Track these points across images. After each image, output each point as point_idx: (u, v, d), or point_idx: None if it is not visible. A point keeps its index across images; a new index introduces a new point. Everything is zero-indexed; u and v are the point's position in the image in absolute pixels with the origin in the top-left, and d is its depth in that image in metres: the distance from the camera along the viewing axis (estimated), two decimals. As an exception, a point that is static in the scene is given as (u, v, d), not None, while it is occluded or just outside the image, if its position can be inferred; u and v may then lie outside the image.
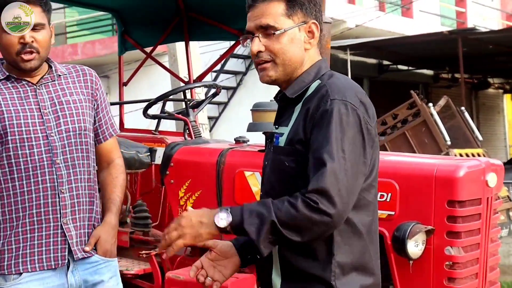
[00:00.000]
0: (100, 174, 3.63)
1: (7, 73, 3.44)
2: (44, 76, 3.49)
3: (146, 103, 6.14)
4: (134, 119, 7.02)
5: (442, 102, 13.05)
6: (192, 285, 3.82)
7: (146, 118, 6.15)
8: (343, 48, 16.14)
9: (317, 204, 2.68)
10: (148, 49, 6.69)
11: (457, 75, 19.98)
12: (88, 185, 3.44)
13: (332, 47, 16.44)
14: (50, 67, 3.53)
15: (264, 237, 2.72)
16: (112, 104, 6.22)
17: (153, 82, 10.42)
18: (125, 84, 6.65)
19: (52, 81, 3.52)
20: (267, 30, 2.90)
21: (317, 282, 2.90)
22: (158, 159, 5.67)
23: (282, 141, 2.97)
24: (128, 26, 6.70)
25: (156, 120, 6.37)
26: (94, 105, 3.60)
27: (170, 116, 6.22)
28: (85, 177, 3.42)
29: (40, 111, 3.41)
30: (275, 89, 3.09)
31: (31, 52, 3.35)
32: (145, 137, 6.17)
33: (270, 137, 3.08)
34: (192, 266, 2.97)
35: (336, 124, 2.76)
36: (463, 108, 13.33)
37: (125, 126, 6.64)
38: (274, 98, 3.21)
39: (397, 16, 19.35)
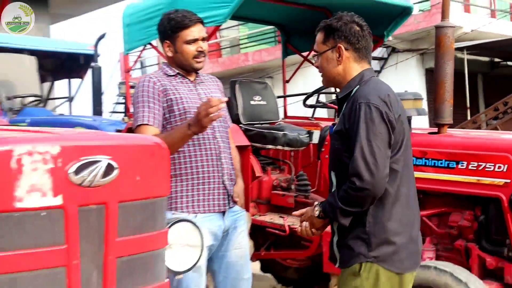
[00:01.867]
0: None
1: (176, 71, 3.67)
2: (196, 78, 3.73)
3: (304, 96, 6.20)
4: (295, 108, 7.10)
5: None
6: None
7: (305, 107, 6.20)
8: (460, 49, 15.70)
9: (355, 184, 3.06)
10: (304, 54, 6.71)
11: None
12: (230, 157, 3.68)
13: (452, 48, 15.95)
14: (197, 73, 3.76)
15: (339, 215, 3.17)
16: (278, 97, 6.35)
17: (308, 79, 10.38)
18: (288, 81, 6.73)
19: (201, 82, 3.75)
20: (316, 53, 3.34)
21: (358, 239, 3.25)
22: (315, 139, 5.71)
23: (333, 129, 3.32)
24: (289, 36, 6.75)
25: (312, 109, 6.42)
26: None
27: (323, 105, 6.26)
28: (229, 151, 3.67)
29: (200, 100, 3.58)
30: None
31: (203, 56, 3.63)
32: (304, 122, 6.19)
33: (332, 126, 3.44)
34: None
35: (362, 121, 3.07)
36: None
37: (288, 114, 6.68)
38: (336, 97, 3.67)
39: (506, 21, 18.65)
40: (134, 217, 2.14)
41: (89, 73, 8.36)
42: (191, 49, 3.58)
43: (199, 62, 3.62)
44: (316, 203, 3.39)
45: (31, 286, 1.93)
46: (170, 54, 3.64)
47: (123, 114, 11.39)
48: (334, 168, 3.33)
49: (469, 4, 18.14)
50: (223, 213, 3.58)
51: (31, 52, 8.72)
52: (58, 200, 1.95)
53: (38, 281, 1.94)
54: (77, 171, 1.97)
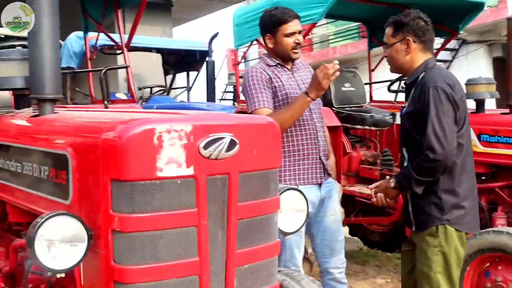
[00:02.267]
0: None
1: (276, 62, 3.62)
2: (293, 67, 3.67)
3: (387, 83, 6.06)
4: (380, 94, 6.94)
5: None
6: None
7: (389, 92, 6.07)
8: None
9: (428, 157, 3.09)
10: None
11: None
12: (324, 136, 3.65)
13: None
14: (293, 62, 3.70)
15: (414, 185, 3.19)
16: (365, 84, 6.22)
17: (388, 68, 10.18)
18: (373, 70, 6.59)
19: (298, 70, 3.69)
20: (386, 45, 3.37)
21: (432, 205, 3.26)
22: (398, 120, 5.58)
23: (404, 111, 3.35)
24: (374, 30, 6.59)
25: (395, 93, 6.27)
26: None
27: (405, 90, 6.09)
28: (323, 129, 3.63)
29: (298, 86, 3.58)
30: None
31: (300, 47, 3.59)
32: (388, 105, 6.06)
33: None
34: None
35: (432, 102, 3.11)
36: None
37: (373, 99, 6.54)
38: (404, 83, 3.64)
39: None
40: (252, 186, 2.12)
41: (203, 66, 8.46)
42: (290, 41, 3.55)
43: (296, 52, 3.59)
44: (387, 177, 3.52)
45: (168, 242, 1.95)
46: (270, 45, 3.62)
47: (231, 101, 11.47)
48: (406, 144, 3.35)
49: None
50: (320, 184, 3.56)
51: (157, 50, 8.91)
52: (191, 171, 1.95)
53: (174, 238, 1.96)
54: (206, 146, 1.96)
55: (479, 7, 5.74)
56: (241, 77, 5.77)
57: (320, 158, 3.55)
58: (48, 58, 2.47)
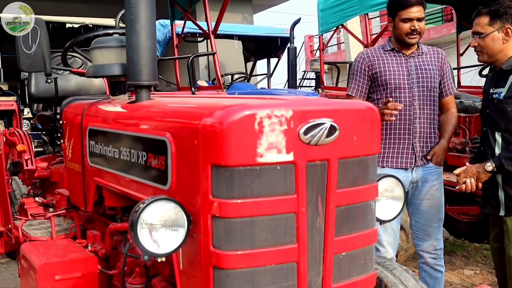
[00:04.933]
0: (441, 116, 3.74)
1: (392, 47, 3.65)
2: (413, 52, 3.65)
3: (478, 68, 5.84)
4: (468, 78, 6.72)
5: None
6: None
7: (480, 77, 5.86)
8: None
9: None
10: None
11: None
12: (432, 122, 3.61)
13: None
14: (418, 46, 3.67)
15: None
16: (453, 69, 6.00)
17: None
18: (462, 54, 6.37)
19: (418, 55, 3.66)
20: (479, 34, 3.40)
21: None
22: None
23: (501, 96, 3.35)
24: (464, 14, 6.36)
25: (485, 78, 6.03)
26: (441, 73, 3.70)
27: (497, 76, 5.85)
28: (430, 117, 3.60)
29: (408, 72, 3.60)
30: None
31: (416, 34, 3.55)
32: (477, 91, 5.84)
33: (490, 95, 3.46)
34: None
35: None
36: None
37: (462, 84, 6.31)
38: (489, 71, 3.74)
39: None
40: (351, 172, 2.06)
41: (284, 53, 8.43)
42: (406, 26, 3.54)
43: (412, 38, 3.57)
44: (475, 164, 3.44)
45: (267, 228, 1.92)
46: (390, 29, 3.69)
47: (311, 88, 11.36)
48: (501, 129, 3.36)
49: None
50: (409, 169, 3.57)
51: (238, 37, 8.93)
52: (290, 156, 1.91)
53: (273, 224, 1.93)
54: (306, 132, 1.92)
55: None
56: (325, 63, 5.72)
57: (412, 144, 3.55)
58: (145, 46, 2.48)
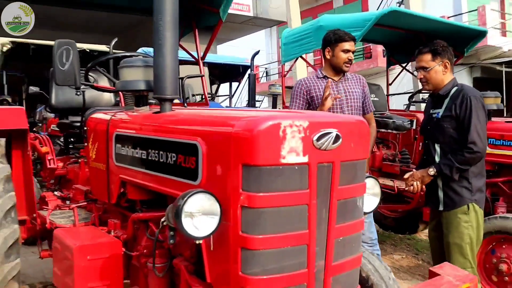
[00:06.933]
0: None
1: (324, 74, 3.71)
2: (341, 78, 3.73)
3: (407, 94, 6.04)
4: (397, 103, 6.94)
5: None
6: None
7: (410, 102, 6.09)
8: (500, 64, 15.04)
9: (472, 149, 3.25)
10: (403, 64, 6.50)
11: None
12: None
13: (493, 63, 15.11)
14: (344, 74, 3.73)
15: (454, 172, 3.32)
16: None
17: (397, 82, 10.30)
18: (390, 84, 6.54)
19: (345, 81, 3.73)
20: (424, 68, 3.46)
21: (463, 188, 3.39)
22: (414, 126, 5.58)
23: (439, 115, 3.44)
24: (393, 52, 6.54)
25: (408, 103, 6.27)
26: (363, 95, 3.79)
27: (424, 101, 6.12)
28: None
29: (339, 95, 3.62)
30: None
31: (350, 63, 3.68)
32: (402, 113, 6.06)
33: (430, 114, 3.55)
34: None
35: (474, 109, 3.27)
36: None
37: (390, 108, 6.50)
38: (429, 96, 3.73)
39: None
40: (348, 173, 2.09)
41: (245, 78, 8.46)
42: (344, 56, 3.60)
43: (347, 66, 3.63)
44: (416, 170, 3.55)
45: (285, 216, 1.94)
46: (328, 57, 3.69)
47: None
48: (440, 141, 3.47)
49: (505, 31, 17.23)
50: None
51: (205, 64, 8.89)
52: (306, 159, 1.93)
53: (290, 214, 1.94)
54: (318, 139, 1.94)
55: (482, 34, 5.73)
56: (287, 87, 5.78)
57: None
58: (169, 66, 2.46)
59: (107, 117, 2.93)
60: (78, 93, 2.90)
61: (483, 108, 3.30)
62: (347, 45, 3.59)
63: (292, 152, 1.90)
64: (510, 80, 16.31)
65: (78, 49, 6.12)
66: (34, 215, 3.50)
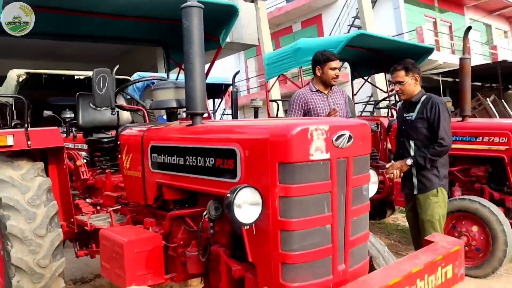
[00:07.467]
0: None
1: (317, 88, 3.82)
2: (329, 91, 3.87)
3: (371, 102, 6.30)
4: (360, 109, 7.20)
5: (491, 98, 12.51)
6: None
7: (376, 109, 6.34)
8: (437, 74, 15.70)
9: (442, 144, 3.54)
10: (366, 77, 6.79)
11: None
12: None
13: (431, 74, 15.62)
14: (331, 88, 3.88)
15: (427, 162, 3.58)
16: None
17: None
18: (355, 94, 6.82)
19: (332, 94, 3.88)
20: (400, 82, 3.74)
21: (433, 175, 3.64)
22: (379, 128, 5.84)
23: (413, 118, 3.69)
24: (356, 67, 6.82)
25: (372, 108, 6.51)
26: (345, 105, 3.94)
27: (388, 107, 6.35)
28: None
29: (329, 106, 3.79)
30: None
31: (337, 78, 3.81)
32: (371, 118, 6.32)
33: (404, 118, 3.79)
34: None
35: (441, 112, 3.57)
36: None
37: (356, 114, 6.76)
38: (402, 103, 3.94)
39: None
40: (358, 165, 2.28)
41: (227, 95, 8.58)
42: (332, 73, 3.78)
43: (335, 81, 3.81)
44: (394, 162, 3.78)
45: (314, 203, 2.11)
46: (318, 74, 3.84)
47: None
48: (414, 138, 3.72)
49: (439, 46, 17.94)
50: None
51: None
52: (328, 155, 2.11)
53: (317, 200, 2.12)
54: (336, 139, 2.13)
55: (430, 50, 6.07)
56: (271, 101, 5.97)
57: None
58: (199, 87, 2.60)
59: (140, 132, 3.06)
60: (113, 113, 3.02)
61: (447, 111, 3.62)
62: (334, 64, 3.80)
63: (318, 150, 2.09)
64: (445, 88, 17.05)
65: (84, 76, 6.17)
66: (72, 219, 3.56)
